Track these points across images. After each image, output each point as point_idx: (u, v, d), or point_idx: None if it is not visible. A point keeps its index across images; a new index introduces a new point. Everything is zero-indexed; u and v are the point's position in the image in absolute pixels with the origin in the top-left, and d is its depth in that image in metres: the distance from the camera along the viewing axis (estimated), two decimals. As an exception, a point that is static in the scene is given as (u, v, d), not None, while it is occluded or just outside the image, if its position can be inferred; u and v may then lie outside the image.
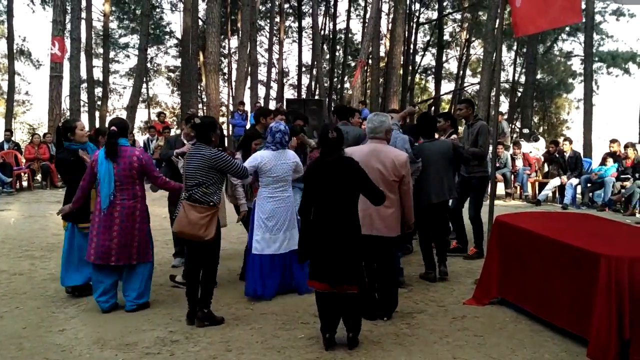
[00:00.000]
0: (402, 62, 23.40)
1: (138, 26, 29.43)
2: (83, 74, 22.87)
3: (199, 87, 27.49)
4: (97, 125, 23.34)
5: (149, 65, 33.25)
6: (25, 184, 14.82)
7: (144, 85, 31.44)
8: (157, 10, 34.27)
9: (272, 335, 4.58)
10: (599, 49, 29.15)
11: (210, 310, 4.94)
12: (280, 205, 5.62)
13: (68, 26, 17.75)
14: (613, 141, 12.63)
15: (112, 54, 32.78)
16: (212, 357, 4.23)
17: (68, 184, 5.76)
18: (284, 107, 16.90)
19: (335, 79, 36.53)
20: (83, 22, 21.78)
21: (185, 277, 5.43)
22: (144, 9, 24.52)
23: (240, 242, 7.54)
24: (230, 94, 33.47)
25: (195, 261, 4.95)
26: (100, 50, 29.92)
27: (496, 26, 18.32)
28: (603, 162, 12.49)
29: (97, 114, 26.45)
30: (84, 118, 23.62)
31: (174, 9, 35.75)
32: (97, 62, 28.89)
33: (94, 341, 4.51)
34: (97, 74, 28.50)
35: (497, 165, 12.37)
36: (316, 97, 29.10)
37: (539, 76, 32.51)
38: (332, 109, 9.45)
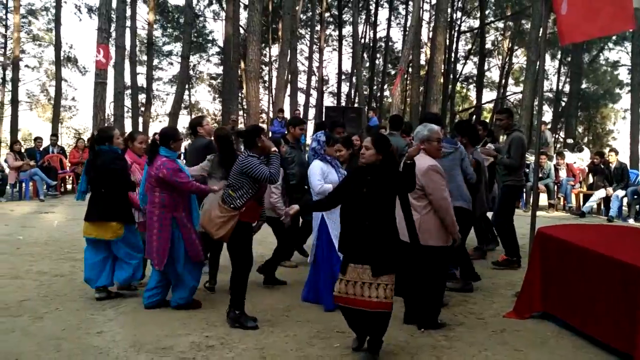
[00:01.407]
0: (442, 71, 23.16)
1: (181, 34, 29.95)
2: (127, 80, 23.44)
3: (239, 95, 27.76)
4: (141, 130, 23.78)
5: (191, 72, 33.81)
6: (69, 187, 15.18)
7: (186, 92, 31.96)
8: (200, 19, 34.91)
9: (307, 344, 4.54)
10: (647, 58, 28.36)
11: (244, 313, 4.97)
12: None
13: (113, 34, 18.16)
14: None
15: (155, 62, 33.51)
16: (246, 363, 4.21)
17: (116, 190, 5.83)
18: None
19: (375, 87, 36.45)
20: (128, 30, 22.29)
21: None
22: (187, 18, 24.92)
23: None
24: (271, 101, 33.74)
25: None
26: (144, 58, 30.61)
27: (540, 35, 18.02)
28: (651, 173, 12.13)
29: (140, 119, 26.96)
30: (127, 124, 24.09)
31: (216, 17, 36.45)
32: (141, 69, 29.61)
33: (130, 344, 4.54)
34: (141, 80, 29.19)
35: (540, 175, 12.12)
36: (355, 105, 29.04)
37: (584, 85, 31.87)
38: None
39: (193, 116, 35.37)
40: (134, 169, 6.11)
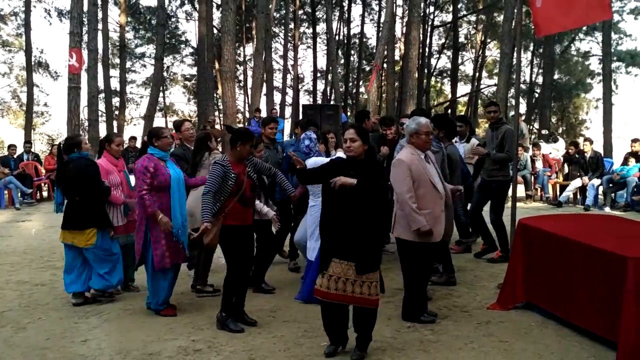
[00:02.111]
0: (417, 65, 23.26)
1: (154, 36, 29.66)
2: (100, 84, 23.09)
3: (215, 95, 27.60)
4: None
5: (165, 74, 33.47)
6: (45, 194, 14.96)
7: (161, 94, 31.67)
8: (173, 19, 34.56)
9: (295, 344, 4.54)
10: (617, 48, 28.84)
11: (231, 316, 4.97)
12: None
13: (85, 38, 17.91)
14: (635, 141, 12.45)
15: (128, 64, 33.13)
16: (235, 366, 4.20)
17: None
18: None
19: (351, 84, 36.49)
20: (100, 34, 21.98)
21: None
22: (159, 19, 24.69)
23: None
24: (247, 101, 33.63)
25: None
26: (117, 61, 30.21)
27: (513, 27, 18.19)
28: (625, 162, 12.31)
29: (115, 123, 26.67)
30: (102, 128, 23.81)
31: (188, 18, 36.07)
32: (114, 73, 29.21)
33: (116, 351, 4.50)
34: (115, 84, 28.83)
35: (517, 167, 12.26)
36: (332, 103, 29.06)
37: (556, 76, 32.29)
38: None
39: (168, 118, 35.31)
40: (112, 170, 6.04)
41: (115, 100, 28.76)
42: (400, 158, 4.98)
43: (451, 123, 6.89)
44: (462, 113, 33.06)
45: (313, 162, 5.54)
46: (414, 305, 5.10)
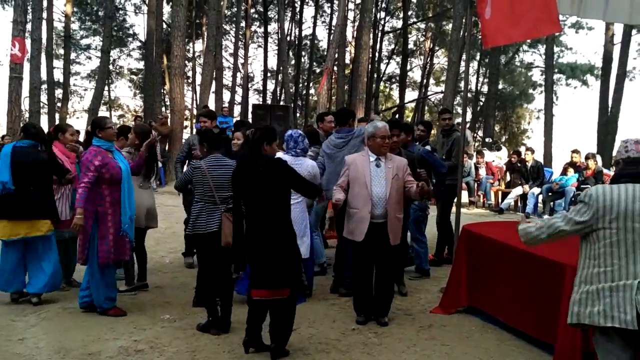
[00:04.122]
0: (367, 70, 23.46)
1: (100, 28, 28.90)
2: (43, 75, 22.30)
3: (162, 91, 27.15)
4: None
5: (111, 67, 32.68)
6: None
7: (106, 88, 30.92)
8: (121, 12, 33.74)
9: (239, 345, 4.49)
10: (558, 60, 29.87)
11: (210, 319, 4.95)
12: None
13: (29, 27, 17.33)
14: (575, 151, 12.90)
15: (73, 56, 32.13)
16: (178, 367, 4.14)
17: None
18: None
19: (301, 85, 36.50)
20: (44, 23, 21.27)
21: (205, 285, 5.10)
22: (107, 11, 24.06)
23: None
24: (195, 98, 33.15)
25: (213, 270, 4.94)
26: (62, 52, 29.29)
27: (461, 36, 18.59)
28: (564, 172, 12.73)
29: (57, 115, 25.85)
30: (44, 120, 23.06)
31: (137, 11, 35.29)
32: (58, 64, 28.32)
33: (55, 350, 4.38)
34: (58, 75, 27.93)
35: (462, 174, 12.52)
36: (282, 103, 29.02)
37: (500, 86, 33.11)
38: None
39: (113, 112, 34.51)
40: (65, 161, 5.90)
41: (59, 92, 27.84)
42: (346, 157, 5.36)
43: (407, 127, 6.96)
44: (409, 119, 33.54)
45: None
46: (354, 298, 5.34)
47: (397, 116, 31.81)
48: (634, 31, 22.61)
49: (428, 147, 7.26)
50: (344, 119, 6.49)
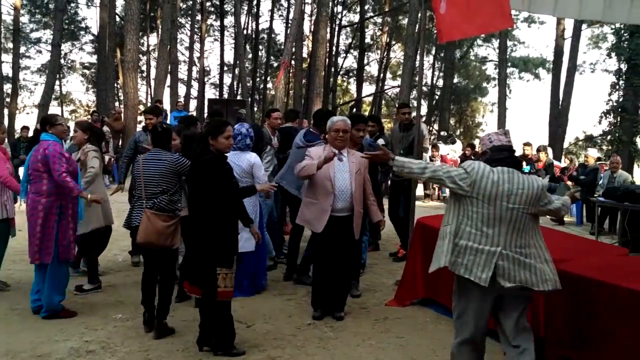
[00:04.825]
0: (325, 64, 23.51)
1: (51, 21, 28.14)
2: (-9, 69, 21.68)
3: (116, 85, 26.65)
4: (6, 124, 22.13)
5: (62, 61, 31.86)
6: None
7: (57, 82, 30.17)
8: (72, 4, 32.89)
9: (194, 344, 4.43)
10: (511, 54, 30.52)
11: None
12: None
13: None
14: (527, 144, 13.14)
15: (22, 49, 31.16)
16: (130, 367, 4.07)
17: None
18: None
19: (258, 79, 36.29)
20: (-9, 15, 20.64)
21: (142, 285, 4.89)
22: (57, 4, 23.42)
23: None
24: (149, 93, 32.66)
25: (154, 270, 4.78)
26: (10, 45, 28.41)
27: (416, 31, 18.77)
28: (517, 164, 12.93)
29: (6, 111, 25.08)
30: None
31: (90, 4, 34.43)
32: (7, 58, 27.44)
33: (3, 353, 4.24)
34: (7, 69, 27.05)
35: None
36: (239, 97, 28.82)
37: (455, 80, 33.63)
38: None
39: (65, 107, 33.69)
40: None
41: (7, 87, 27.02)
42: (309, 149, 5.43)
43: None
44: (367, 112, 33.74)
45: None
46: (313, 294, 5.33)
47: (354, 110, 31.96)
48: (584, 26, 23.25)
49: (381, 141, 7.29)
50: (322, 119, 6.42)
